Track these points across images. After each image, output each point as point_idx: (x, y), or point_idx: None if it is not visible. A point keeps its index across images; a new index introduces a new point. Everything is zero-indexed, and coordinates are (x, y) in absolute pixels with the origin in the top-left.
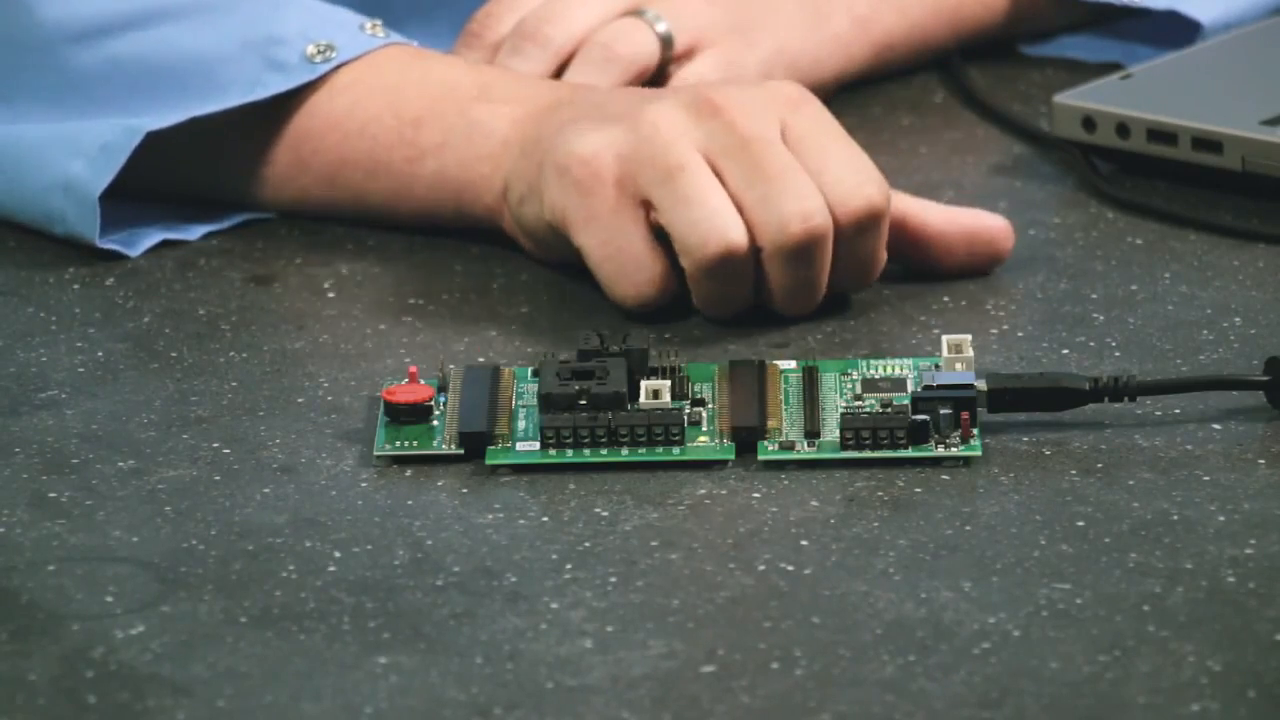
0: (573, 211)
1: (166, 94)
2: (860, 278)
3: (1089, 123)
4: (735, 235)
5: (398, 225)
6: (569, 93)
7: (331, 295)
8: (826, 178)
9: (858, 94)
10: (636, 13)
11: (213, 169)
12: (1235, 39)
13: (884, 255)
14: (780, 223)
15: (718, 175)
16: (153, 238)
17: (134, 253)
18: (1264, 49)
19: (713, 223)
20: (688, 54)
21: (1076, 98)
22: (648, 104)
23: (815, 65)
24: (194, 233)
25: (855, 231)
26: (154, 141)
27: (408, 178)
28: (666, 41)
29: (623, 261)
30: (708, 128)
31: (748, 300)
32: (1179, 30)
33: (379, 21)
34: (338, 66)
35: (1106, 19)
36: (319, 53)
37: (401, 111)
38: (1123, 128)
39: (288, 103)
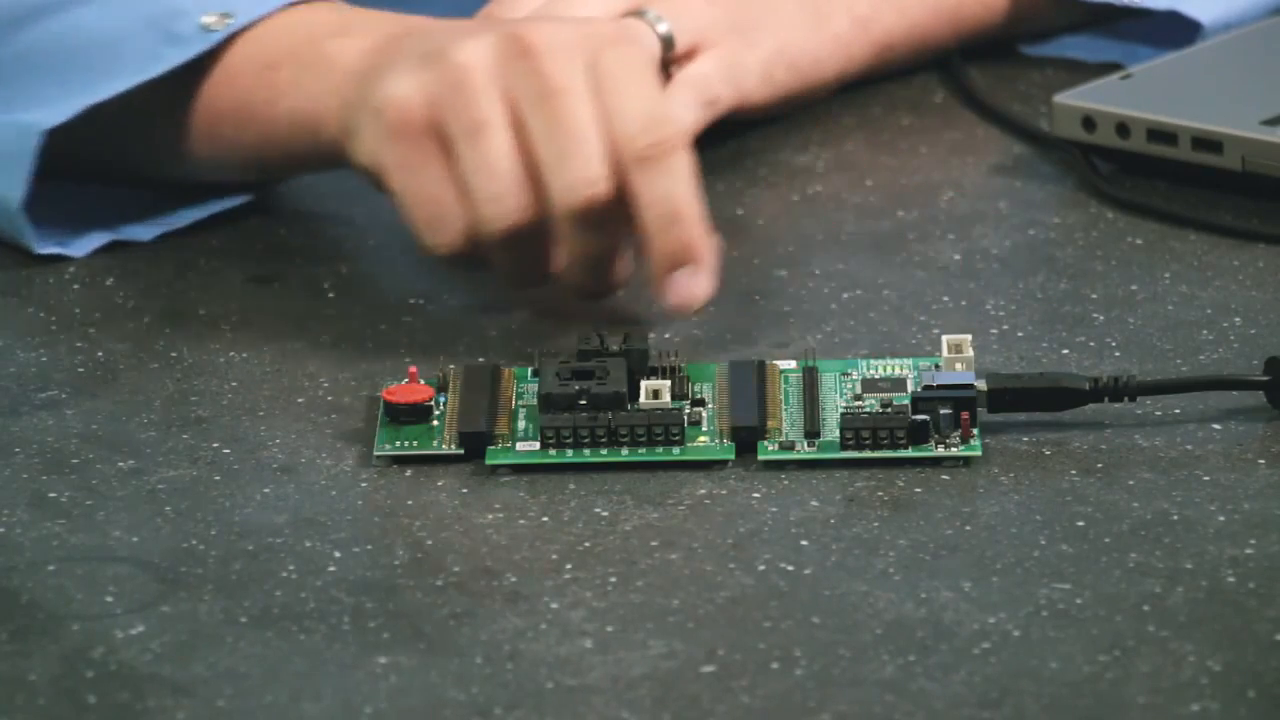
0: (383, 156)
1: (72, 80)
2: (668, 227)
3: (1089, 123)
4: (520, 210)
5: (282, 175)
6: (420, 22)
7: (331, 295)
8: (618, 119)
9: (858, 94)
10: (637, 13)
11: (121, 147)
12: (1235, 39)
13: (690, 205)
14: (563, 186)
15: (519, 124)
16: (98, 239)
17: (78, 254)
18: (1264, 49)
19: (503, 198)
20: (689, 54)
21: (1076, 98)
22: (462, 41)
23: (816, 65)
24: (145, 233)
25: (642, 170)
26: (60, 132)
27: (270, 121)
28: (667, 42)
29: (433, 210)
30: (516, 70)
31: (543, 270)
32: (1179, 30)
33: None
34: (236, 32)
35: (1106, 19)
36: (217, 20)
37: (261, 56)
38: (1123, 128)
39: (179, 72)
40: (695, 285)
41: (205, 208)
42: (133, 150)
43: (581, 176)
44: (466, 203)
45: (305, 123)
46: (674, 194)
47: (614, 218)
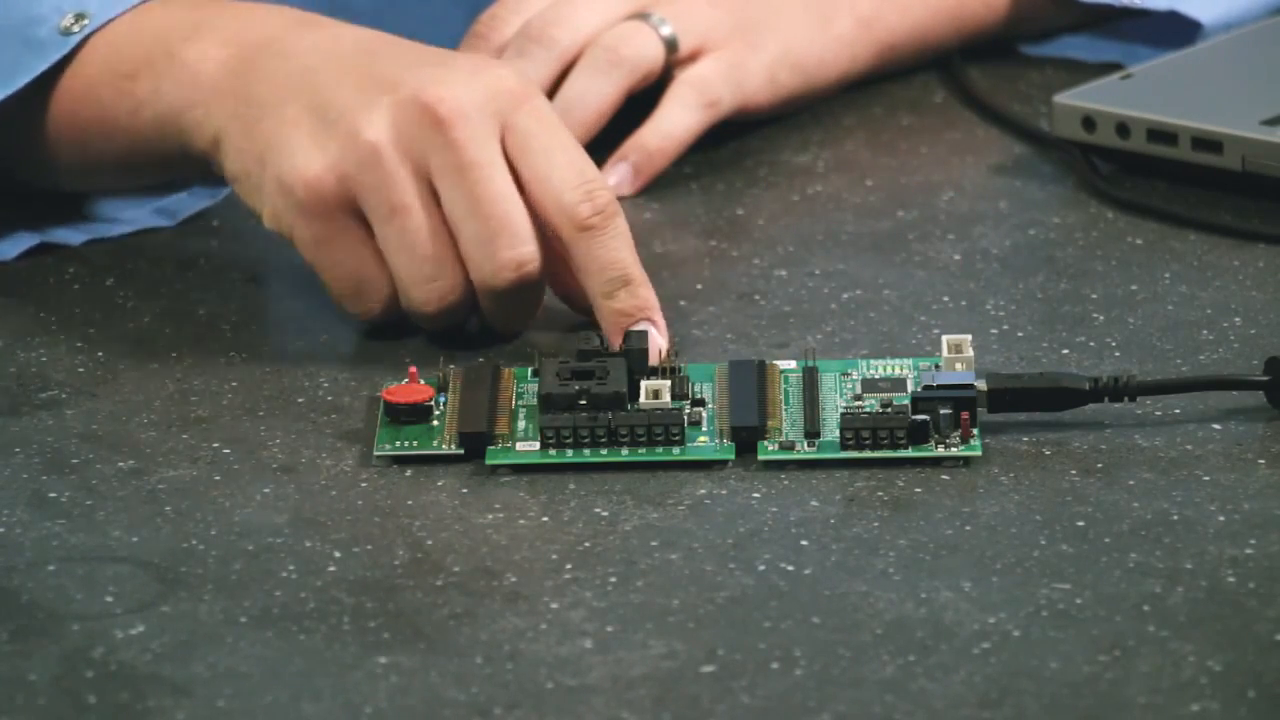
0: (299, 231)
1: None
2: (617, 291)
3: (1089, 123)
4: (450, 290)
5: (170, 179)
6: (280, 30)
7: None
8: (549, 187)
9: (859, 94)
10: (641, 15)
11: (2, 159)
12: (1235, 39)
13: (636, 267)
14: (494, 269)
15: (438, 199)
16: (26, 241)
17: (7, 256)
18: (1264, 49)
19: (430, 280)
20: (692, 56)
21: (1076, 98)
22: (368, 113)
23: (820, 66)
24: (74, 237)
25: (588, 239)
26: None
27: (134, 132)
28: (671, 44)
29: (353, 284)
30: (427, 144)
31: (465, 319)
32: (1179, 30)
33: None
34: (93, 33)
35: (1106, 19)
36: (75, 22)
37: (118, 65)
38: (1123, 128)
39: (41, 85)
40: (652, 340)
41: (141, 205)
42: (13, 162)
43: (510, 257)
44: (389, 277)
45: (172, 134)
46: (620, 259)
47: (540, 281)
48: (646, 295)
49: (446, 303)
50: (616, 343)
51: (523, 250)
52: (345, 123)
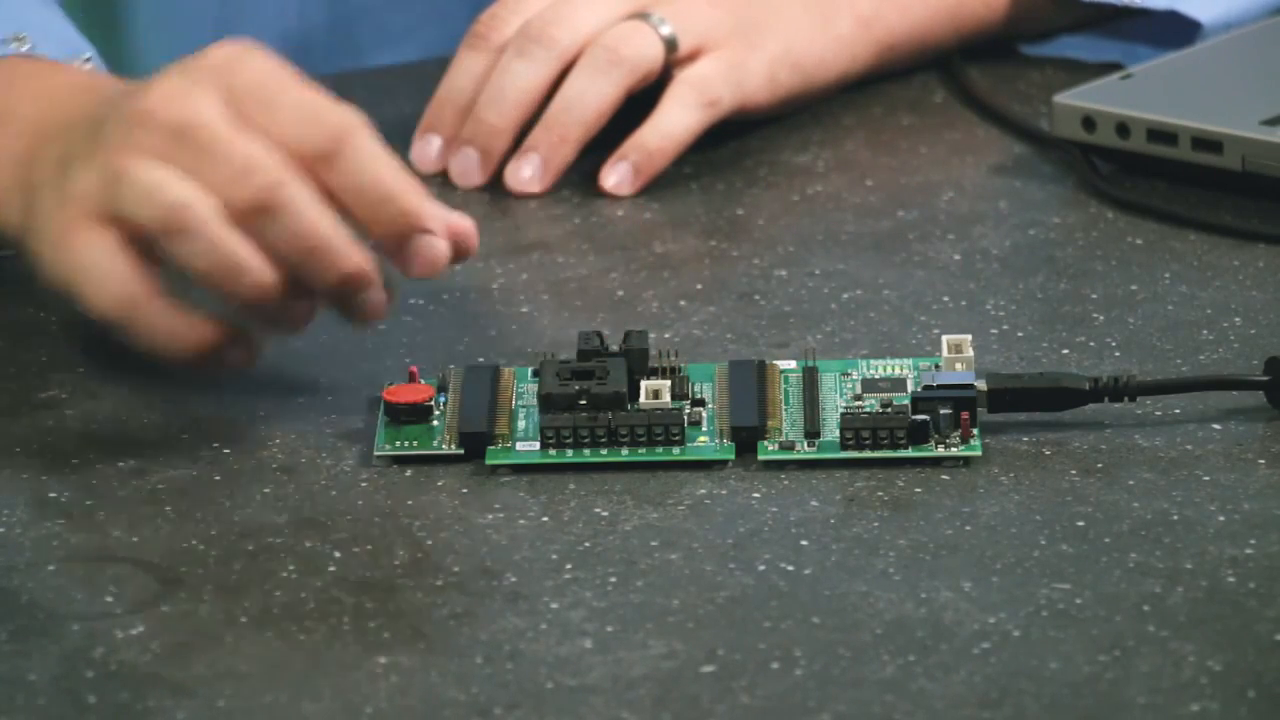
0: (84, 291)
1: None
2: (379, 205)
3: (1089, 123)
4: (260, 271)
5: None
6: (65, 113)
7: None
8: (278, 126)
9: (859, 94)
10: (641, 15)
11: None
12: (1235, 39)
13: (394, 177)
14: (233, 196)
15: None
16: None
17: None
18: (1264, 49)
19: (239, 272)
20: (692, 56)
21: (1076, 98)
22: (98, 157)
23: (819, 66)
24: None
25: (335, 165)
26: None
27: None
28: (671, 44)
29: (149, 325)
30: (144, 136)
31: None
32: (1179, 30)
33: (25, 35)
34: None
35: (1106, 19)
36: None
37: None
38: (1123, 128)
39: None
40: (432, 249)
41: None
42: None
43: (240, 167)
44: (212, 285)
45: None
46: (371, 172)
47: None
48: (409, 203)
49: (262, 284)
50: (406, 268)
51: (254, 158)
52: (86, 175)
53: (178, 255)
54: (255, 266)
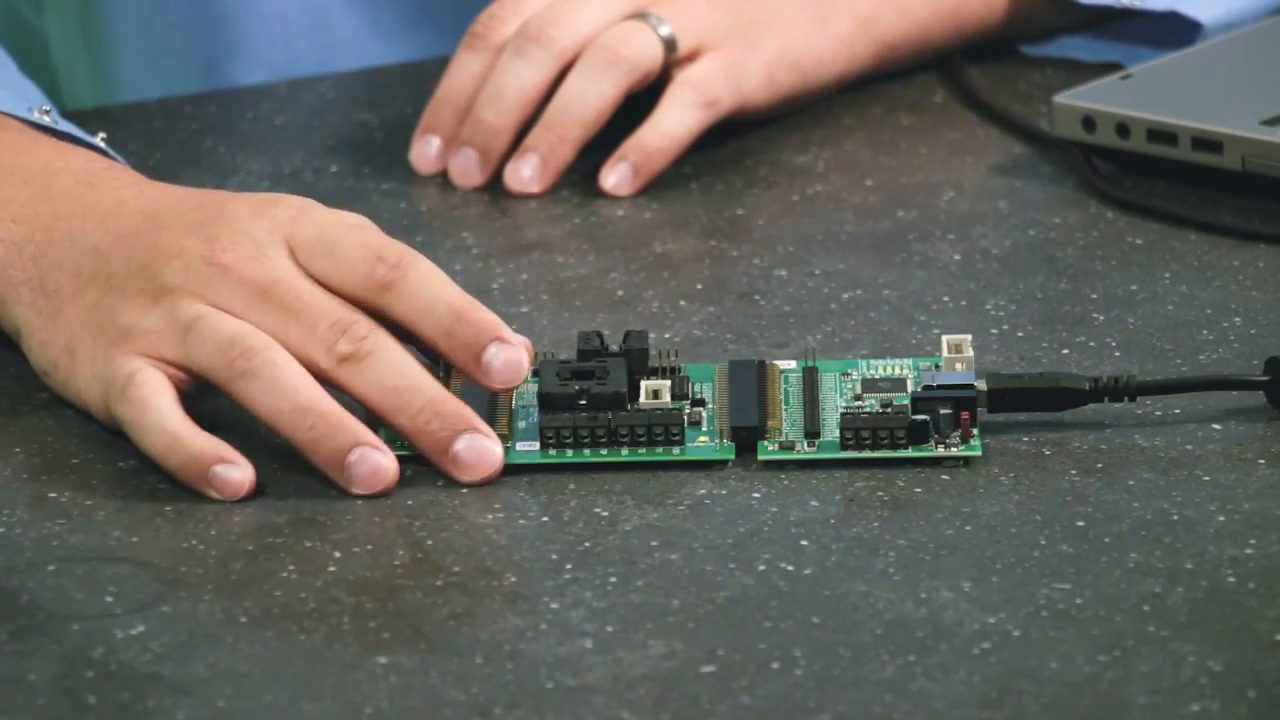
0: (134, 427)
1: None
2: (451, 327)
3: (1089, 123)
4: (317, 402)
5: None
6: (67, 202)
7: None
8: (340, 269)
9: (858, 94)
10: (640, 15)
11: None
12: (1235, 39)
13: (458, 295)
14: (326, 351)
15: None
16: None
17: None
18: (1264, 49)
19: (297, 404)
20: (691, 56)
21: (1076, 98)
22: (164, 303)
23: (819, 66)
24: None
25: (395, 294)
26: None
27: None
28: (670, 44)
29: (185, 447)
30: (229, 292)
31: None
32: (1179, 30)
33: None
34: None
35: (1106, 19)
36: None
37: None
38: (1123, 128)
39: None
40: (510, 356)
41: None
42: None
43: (329, 334)
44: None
45: None
46: (435, 296)
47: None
48: (482, 317)
49: (320, 419)
50: (487, 381)
51: (341, 318)
52: (149, 315)
53: (243, 400)
54: (319, 404)
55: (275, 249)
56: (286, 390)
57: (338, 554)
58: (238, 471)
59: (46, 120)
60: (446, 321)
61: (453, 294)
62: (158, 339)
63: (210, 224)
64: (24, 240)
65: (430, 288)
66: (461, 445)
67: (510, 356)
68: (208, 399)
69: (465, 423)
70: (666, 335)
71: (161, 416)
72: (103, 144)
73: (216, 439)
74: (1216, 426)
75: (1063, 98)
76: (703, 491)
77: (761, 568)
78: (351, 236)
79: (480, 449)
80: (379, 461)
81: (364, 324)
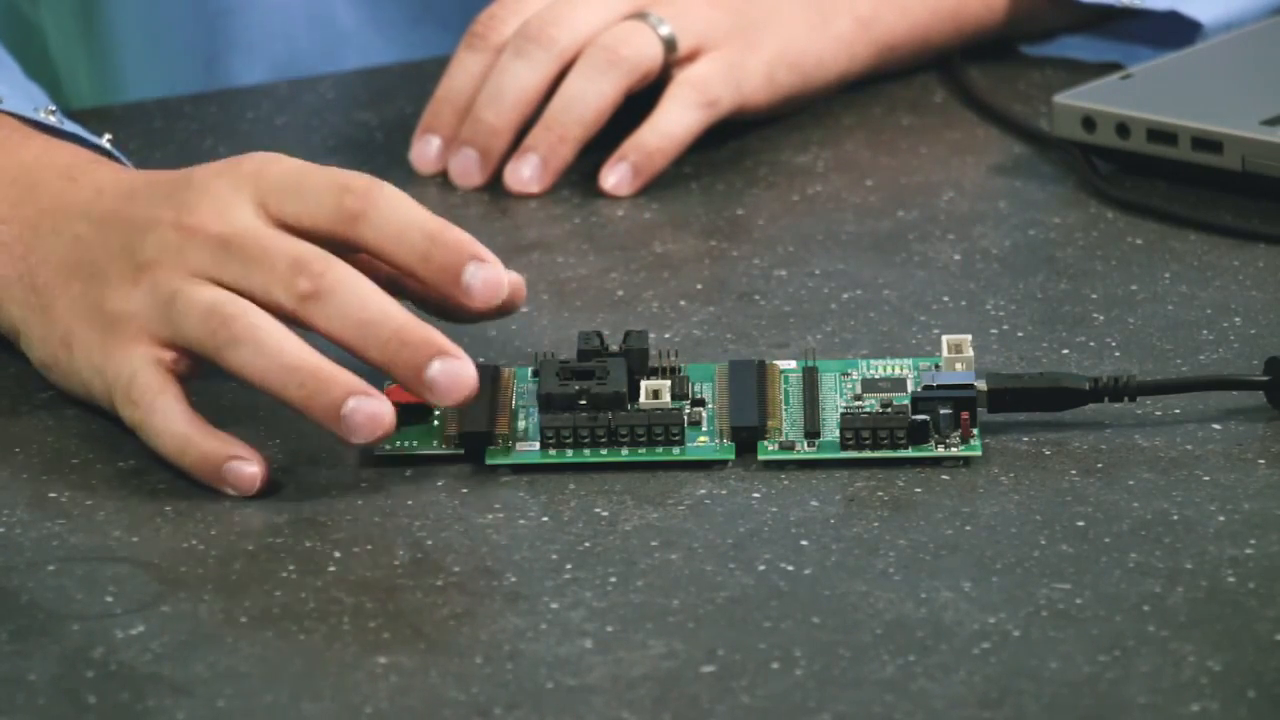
0: (143, 430)
1: None
2: (426, 250)
3: (1089, 123)
4: (305, 359)
5: None
6: (52, 196)
7: None
8: (308, 208)
9: (858, 94)
10: (640, 15)
11: None
12: (1235, 39)
13: (430, 218)
14: (286, 292)
15: (222, 285)
16: None
17: None
18: (1264, 49)
19: (284, 364)
20: (691, 56)
21: (1076, 98)
22: (144, 282)
23: (819, 66)
24: None
25: (366, 221)
26: None
27: None
28: (670, 44)
29: (196, 447)
30: (198, 254)
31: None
32: (1179, 30)
33: None
34: None
35: (1106, 19)
36: None
37: None
38: (1123, 128)
39: None
40: (488, 274)
41: None
42: None
43: (285, 272)
44: (273, 391)
45: None
46: (409, 218)
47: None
48: (457, 237)
49: (299, 375)
50: (468, 301)
51: (300, 255)
52: (135, 295)
53: (233, 369)
54: (306, 361)
55: (240, 204)
56: (272, 351)
57: (338, 554)
58: (250, 467)
59: (52, 120)
60: (421, 245)
61: (424, 216)
62: (146, 320)
63: (179, 192)
64: (12, 240)
65: (401, 212)
66: (435, 369)
67: (489, 274)
68: (209, 393)
69: (435, 347)
70: (666, 335)
71: (169, 418)
72: (109, 145)
73: (227, 435)
74: (1216, 426)
75: (1063, 98)
76: (703, 491)
77: (761, 568)
78: (317, 174)
79: (454, 371)
80: (375, 408)
81: (320, 259)
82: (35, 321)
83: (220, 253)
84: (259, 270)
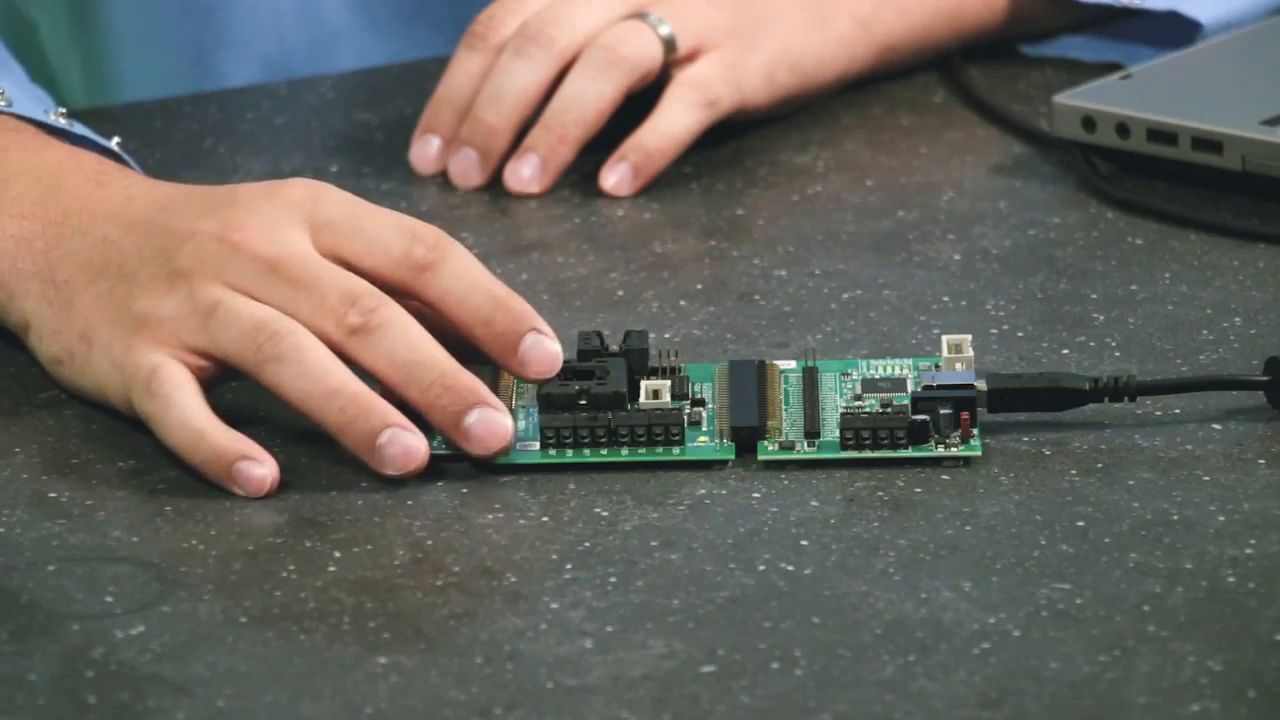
0: (158, 423)
1: None
2: (489, 314)
3: (1089, 123)
4: (346, 384)
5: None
6: (78, 198)
7: None
8: (373, 247)
9: (858, 94)
10: (639, 15)
11: None
12: (1235, 39)
13: (496, 283)
14: (336, 324)
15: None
16: None
17: None
18: (1264, 49)
19: (327, 387)
20: (690, 56)
21: (1076, 98)
22: (181, 288)
23: (818, 67)
24: None
25: (434, 275)
26: None
27: None
28: (669, 44)
29: (209, 443)
30: (241, 270)
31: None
32: (1179, 30)
33: (3, 90)
34: None
35: (1106, 19)
36: None
37: None
38: (1123, 128)
39: None
40: (547, 348)
41: None
42: None
43: (338, 304)
44: (310, 408)
45: None
46: (476, 280)
47: (393, 322)
48: (521, 306)
49: (340, 396)
50: (522, 371)
51: (353, 288)
52: (166, 297)
53: (271, 385)
54: (349, 386)
55: (290, 227)
56: (316, 374)
57: (338, 554)
58: (261, 469)
59: (62, 123)
60: (486, 308)
61: (491, 280)
62: (178, 326)
63: (222, 208)
64: (34, 235)
65: (470, 272)
66: (473, 419)
67: (548, 348)
68: (224, 394)
69: (476, 396)
70: (666, 335)
71: (185, 412)
72: (117, 148)
73: (240, 435)
74: (1216, 426)
75: (1063, 98)
76: (703, 491)
77: (761, 568)
78: (381, 216)
79: (491, 422)
80: (410, 442)
81: (374, 296)
82: (51, 316)
83: (267, 273)
84: (308, 297)
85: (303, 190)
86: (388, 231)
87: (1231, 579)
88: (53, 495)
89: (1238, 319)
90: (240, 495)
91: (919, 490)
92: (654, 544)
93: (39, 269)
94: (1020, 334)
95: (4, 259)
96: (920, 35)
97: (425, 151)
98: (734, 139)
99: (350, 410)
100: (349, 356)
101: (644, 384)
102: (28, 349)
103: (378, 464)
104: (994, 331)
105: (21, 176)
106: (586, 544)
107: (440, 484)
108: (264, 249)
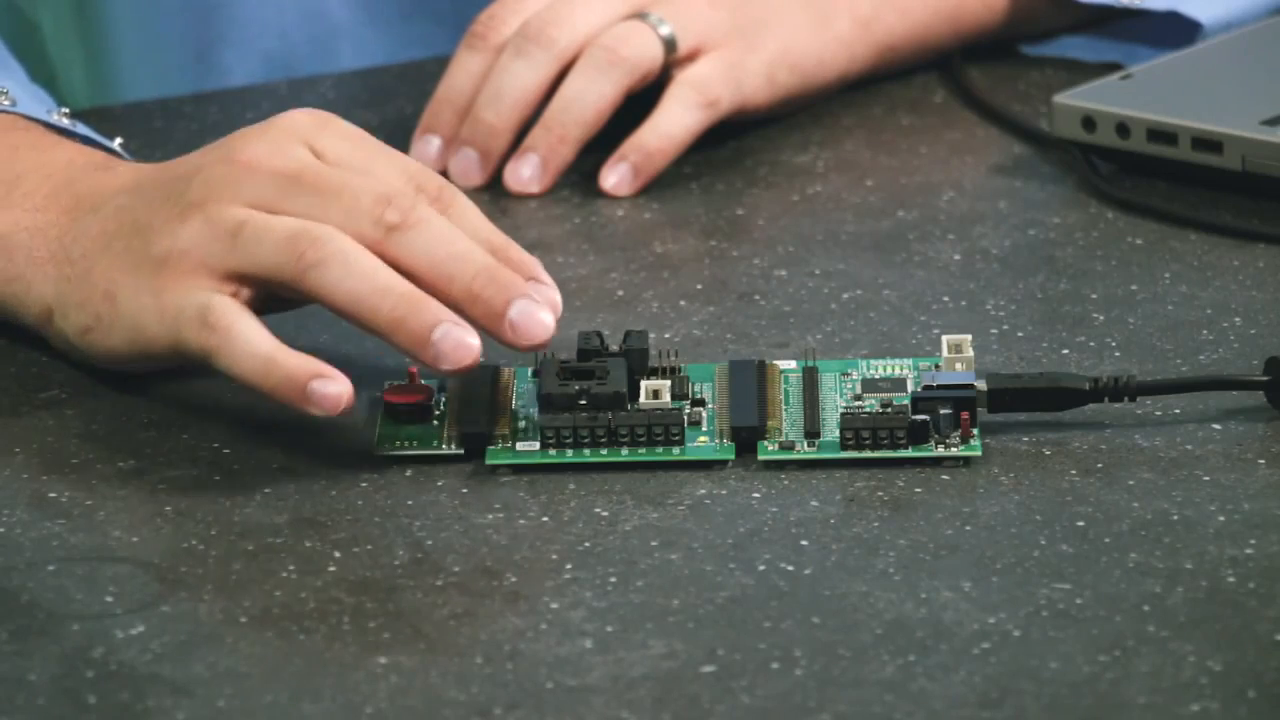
0: (222, 355)
1: None
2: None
3: (1089, 123)
4: (396, 282)
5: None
6: (87, 186)
7: None
8: (381, 176)
9: (858, 94)
10: (640, 15)
11: None
12: (1235, 39)
13: (484, 227)
14: (373, 224)
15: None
16: None
17: None
18: (1264, 49)
19: (376, 286)
20: (691, 56)
21: (1076, 98)
22: (195, 218)
23: (818, 67)
24: None
25: (449, 212)
26: None
27: None
28: (670, 44)
29: (281, 367)
30: (258, 187)
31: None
32: (1179, 30)
33: (6, 89)
34: None
35: (1106, 19)
36: None
37: None
38: (1123, 128)
39: None
40: (548, 294)
41: None
42: None
43: (377, 197)
44: (356, 313)
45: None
46: (480, 223)
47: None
48: (520, 256)
49: (393, 296)
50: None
51: (389, 185)
52: (176, 233)
53: (318, 291)
54: (399, 284)
55: (295, 145)
56: (365, 273)
57: (338, 554)
58: (335, 385)
59: (65, 123)
60: (492, 250)
61: (492, 231)
62: (204, 253)
63: (223, 144)
64: (47, 225)
65: (475, 216)
66: (515, 311)
67: (549, 295)
68: (209, 394)
69: (518, 289)
70: (666, 335)
71: (250, 340)
72: (119, 148)
73: (309, 356)
74: (1216, 426)
75: (1063, 98)
76: (703, 491)
77: (761, 568)
78: (386, 158)
79: (533, 315)
80: (462, 337)
81: (409, 195)
82: (72, 290)
83: (288, 186)
84: (338, 201)
85: (306, 115)
86: (398, 167)
87: (1231, 579)
88: (53, 495)
89: (1238, 319)
90: (240, 495)
91: (919, 490)
92: (654, 544)
93: (54, 253)
94: (1020, 334)
95: (19, 250)
96: (920, 35)
97: (425, 151)
98: (734, 139)
99: (403, 307)
100: (387, 257)
101: (644, 384)
102: (44, 341)
103: (432, 360)
104: (994, 331)
105: (32, 173)
106: (586, 544)
107: (440, 484)
108: (279, 164)
